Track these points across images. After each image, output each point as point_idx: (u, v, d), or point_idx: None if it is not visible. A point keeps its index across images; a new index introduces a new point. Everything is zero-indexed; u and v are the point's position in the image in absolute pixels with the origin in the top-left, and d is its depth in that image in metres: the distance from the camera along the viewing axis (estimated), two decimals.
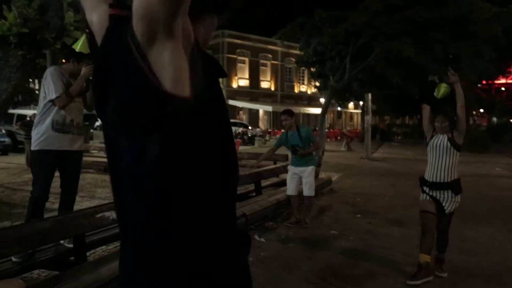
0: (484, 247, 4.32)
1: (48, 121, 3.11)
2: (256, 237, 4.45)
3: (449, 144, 3.38)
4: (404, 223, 5.26)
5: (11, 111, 15.32)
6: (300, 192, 5.07)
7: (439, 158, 3.42)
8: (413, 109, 24.20)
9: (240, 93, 34.75)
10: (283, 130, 5.41)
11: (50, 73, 3.15)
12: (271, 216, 5.30)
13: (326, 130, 31.40)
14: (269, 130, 30.30)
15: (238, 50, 34.81)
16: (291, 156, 5.21)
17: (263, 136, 23.55)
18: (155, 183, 0.73)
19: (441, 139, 3.43)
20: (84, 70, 3.18)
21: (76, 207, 3.85)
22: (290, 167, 5.18)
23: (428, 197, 3.46)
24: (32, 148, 3.14)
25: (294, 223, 5.01)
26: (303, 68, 9.76)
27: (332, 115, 44.28)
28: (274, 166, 7.31)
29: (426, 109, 3.68)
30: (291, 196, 5.10)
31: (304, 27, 8.62)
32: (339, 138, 27.01)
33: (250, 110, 35.35)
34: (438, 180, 3.40)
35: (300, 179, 5.04)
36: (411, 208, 6.12)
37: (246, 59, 35.63)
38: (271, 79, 36.96)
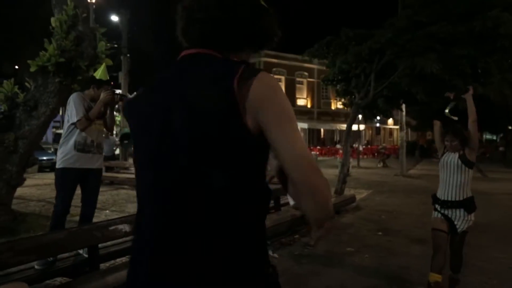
0: (509, 270, 4.13)
1: (71, 142, 3.43)
2: (270, 252, 4.52)
3: (459, 161, 3.32)
4: (426, 242, 5.07)
5: (59, 131, 16.48)
6: None
7: (450, 175, 3.36)
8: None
9: None
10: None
11: (73, 98, 3.48)
12: (290, 232, 5.37)
13: (364, 146, 30.86)
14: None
15: (274, 69, 35.30)
16: None
17: None
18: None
19: (452, 157, 3.38)
20: (102, 95, 3.48)
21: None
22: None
23: (440, 215, 3.41)
24: (57, 166, 3.47)
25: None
26: (328, 86, 9.75)
27: (370, 131, 43.43)
28: None
29: (436, 125, 3.66)
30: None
31: (330, 46, 8.74)
32: (376, 154, 26.40)
33: None
34: (450, 198, 3.34)
35: None
36: None
37: (282, 78, 36.02)
38: (307, 97, 37.03)
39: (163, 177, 0.91)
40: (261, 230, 0.99)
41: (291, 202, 4.18)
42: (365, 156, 27.65)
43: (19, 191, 5.89)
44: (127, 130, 15.37)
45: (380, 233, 5.62)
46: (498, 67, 6.76)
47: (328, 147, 30.12)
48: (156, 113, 0.93)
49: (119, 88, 17.76)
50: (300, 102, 37.30)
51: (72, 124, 3.40)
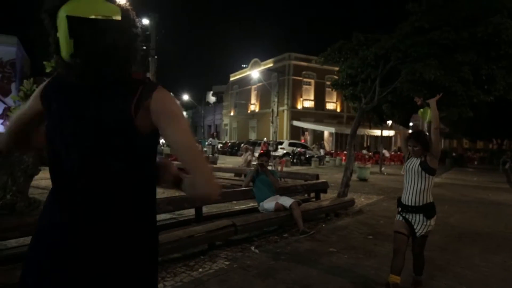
0: (485, 277, 4.13)
1: None
2: (252, 248, 4.77)
3: (420, 168, 3.41)
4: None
5: None
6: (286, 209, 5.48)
7: (412, 181, 3.46)
8: (486, 132, 22.32)
9: (304, 114, 35.06)
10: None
11: None
12: (279, 231, 5.59)
13: (393, 152, 30.17)
14: (332, 151, 29.98)
15: (303, 72, 35.35)
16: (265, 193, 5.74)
17: (322, 157, 23.43)
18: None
19: (413, 163, 3.46)
20: None
21: None
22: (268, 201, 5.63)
23: (401, 218, 3.52)
24: None
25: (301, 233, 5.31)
26: (337, 90, 9.82)
27: (399, 138, 42.35)
28: (308, 182, 7.48)
29: (403, 131, 3.77)
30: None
31: (342, 50, 8.85)
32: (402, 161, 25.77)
33: (314, 131, 35.39)
34: (410, 204, 3.44)
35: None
36: (432, 234, 5.94)
37: (312, 81, 35.97)
38: (337, 101, 36.72)
39: (74, 163, 1.18)
40: (150, 201, 1.29)
41: (286, 203, 4.44)
42: (392, 163, 27.09)
43: (36, 181, 6.44)
44: None
45: (370, 236, 5.70)
46: (502, 73, 6.63)
47: (356, 152, 29.69)
48: (69, 120, 1.18)
49: None
50: (329, 106, 37.06)
51: None
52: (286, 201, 5.51)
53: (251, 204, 6.40)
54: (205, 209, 5.65)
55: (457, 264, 4.51)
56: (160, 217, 5.25)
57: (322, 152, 25.93)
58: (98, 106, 1.17)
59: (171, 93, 1.27)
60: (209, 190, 1.24)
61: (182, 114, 1.26)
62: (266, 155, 6.31)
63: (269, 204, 5.52)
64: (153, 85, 1.22)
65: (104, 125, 1.16)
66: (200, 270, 3.90)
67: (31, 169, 5.76)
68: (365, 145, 36.76)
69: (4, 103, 27.95)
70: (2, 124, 27.89)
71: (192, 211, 5.10)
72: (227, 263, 4.16)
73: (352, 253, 4.76)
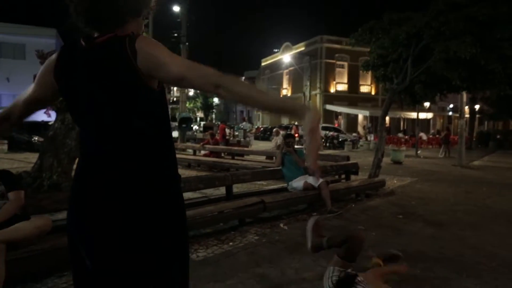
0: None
1: None
2: (281, 224, 4.93)
3: None
4: (442, 225, 5.14)
5: None
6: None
7: None
8: None
9: (338, 97, 34.51)
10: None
11: None
12: (308, 210, 5.70)
13: (431, 136, 29.20)
14: (361, 135, 29.44)
15: (336, 55, 34.64)
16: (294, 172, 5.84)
17: (356, 141, 23.10)
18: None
19: None
20: None
21: None
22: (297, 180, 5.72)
23: None
24: None
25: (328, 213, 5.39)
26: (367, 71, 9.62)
27: (441, 120, 40.84)
28: (338, 163, 7.53)
29: None
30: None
31: (373, 31, 8.67)
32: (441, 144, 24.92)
33: (348, 115, 34.81)
34: None
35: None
36: (466, 214, 5.87)
37: (345, 64, 35.21)
38: (371, 83, 35.79)
39: (97, 125, 1.25)
40: (168, 155, 1.34)
41: (315, 183, 4.57)
42: (429, 146, 26.27)
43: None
44: (185, 114, 16.45)
45: (400, 216, 5.68)
46: None
47: (391, 135, 28.99)
48: (83, 86, 1.24)
49: None
50: (364, 89, 36.22)
51: None
52: (315, 181, 5.60)
53: (281, 185, 6.53)
54: (236, 189, 5.85)
55: (489, 243, 4.45)
56: (192, 195, 5.51)
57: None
58: (103, 65, 1.22)
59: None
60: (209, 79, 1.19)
61: (161, 51, 1.22)
62: (291, 136, 6.39)
63: (297, 183, 5.63)
64: (136, 35, 1.23)
65: (113, 82, 1.21)
66: (231, 243, 4.10)
67: (73, 152, 6.16)
68: (401, 128, 35.79)
69: None
70: (45, 113, 29.60)
71: (223, 191, 5.31)
72: (256, 238, 4.33)
73: (380, 231, 4.80)
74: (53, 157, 6.06)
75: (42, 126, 16.70)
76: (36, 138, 14.78)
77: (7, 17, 32.99)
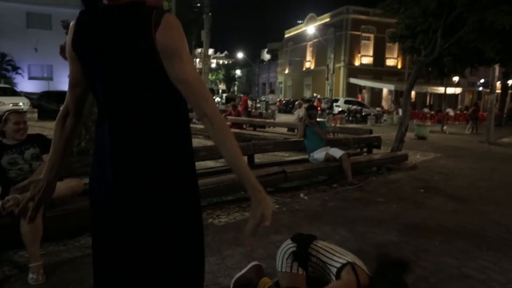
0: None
1: None
2: (301, 195, 5.00)
3: None
4: (464, 200, 5.09)
5: None
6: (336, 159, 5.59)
7: None
8: None
9: (362, 71, 33.69)
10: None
11: None
12: (329, 181, 5.74)
13: (458, 111, 28.30)
14: (391, 110, 28.82)
15: (363, 27, 33.54)
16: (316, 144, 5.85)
17: (379, 115, 22.67)
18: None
19: None
20: None
21: None
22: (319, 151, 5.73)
23: None
24: None
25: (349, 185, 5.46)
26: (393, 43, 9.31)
27: (471, 95, 39.47)
28: (360, 136, 7.52)
29: None
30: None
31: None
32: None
33: (372, 89, 34.04)
34: None
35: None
36: (490, 190, 5.78)
37: (371, 36, 34.10)
38: (398, 56, 34.65)
39: (113, 94, 1.26)
40: (185, 130, 1.33)
41: (336, 154, 4.66)
42: (456, 122, 25.54)
43: None
44: (207, 86, 16.44)
45: (422, 190, 5.65)
46: None
47: (416, 110, 28.28)
48: (102, 54, 1.24)
49: (201, 46, 18.75)
50: (390, 62, 35.14)
51: None
52: (336, 152, 5.61)
53: (302, 156, 6.57)
54: (257, 160, 5.94)
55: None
56: (214, 164, 5.63)
57: (377, 110, 24.90)
58: (122, 37, 1.20)
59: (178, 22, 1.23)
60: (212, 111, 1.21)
61: (185, 48, 1.22)
62: (314, 108, 6.37)
63: (319, 154, 5.66)
64: (164, 11, 1.21)
65: (130, 55, 1.20)
66: None
67: None
68: (427, 103, 34.82)
69: None
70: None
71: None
72: (277, 206, 4.43)
73: (400, 204, 4.81)
74: (81, 124, 6.26)
75: None
76: None
77: None
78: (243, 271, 2.36)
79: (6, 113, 2.81)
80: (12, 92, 17.58)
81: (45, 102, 16.44)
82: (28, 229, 2.41)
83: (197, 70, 1.55)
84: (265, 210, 1.16)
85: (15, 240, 2.56)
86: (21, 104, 15.99)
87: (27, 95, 18.46)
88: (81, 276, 2.52)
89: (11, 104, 15.68)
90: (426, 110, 27.44)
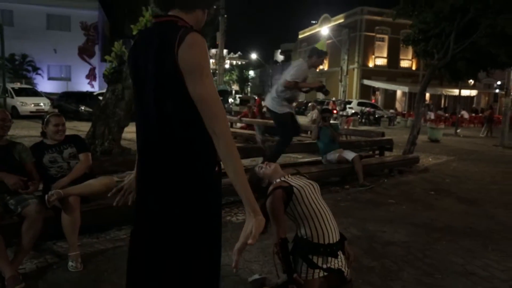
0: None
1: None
2: None
3: None
4: (474, 203, 5.22)
5: None
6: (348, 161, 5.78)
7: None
8: None
9: (376, 72, 33.60)
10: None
11: (300, 64, 4.99)
12: (341, 183, 5.93)
13: (473, 114, 27.97)
14: (404, 112, 28.70)
15: (377, 28, 33.48)
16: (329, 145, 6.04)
17: (393, 118, 22.64)
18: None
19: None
20: (313, 82, 5.44)
21: None
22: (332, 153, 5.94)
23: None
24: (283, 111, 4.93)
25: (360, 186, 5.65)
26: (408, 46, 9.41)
27: (487, 98, 38.93)
28: (372, 138, 7.67)
29: None
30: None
31: (415, 3, 8.46)
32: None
33: (386, 90, 33.93)
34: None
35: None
36: (501, 193, 5.88)
37: (386, 37, 34.00)
38: (412, 58, 34.41)
39: (144, 103, 1.42)
40: (205, 140, 1.37)
41: (349, 157, 4.90)
42: (471, 125, 25.30)
43: (127, 134, 7.33)
44: (222, 87, 16.78)
45: (432, 192, 5.78)
46: None
47: (431, 112, 28.04)
48: (139, 67, 1.41)
49: (216, 47, 18.97)
50: (404, 64, 34.96)
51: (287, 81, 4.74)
52: (349, 154, 5.79)
53: (315, 158, 6.77)
54: None
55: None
56: None
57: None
58: (153, 52, 1.34)
59: (201, 41, 1.32)
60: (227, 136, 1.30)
61: (205, 66, 1.31)
62: (328, 111, 6.56)
63: (331, 156, 5.85)
64: (190, 29, 1.32)
65: (157, 69, 1.33)
66: None
67: (122, 121, 6.64)
68: (442, 106, 34.50)
69: (89, 64, 30.84)
70: (89, 83, 30.91)
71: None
72: None
73: (410, 205, 4.97)
74: (105, 125, 6.57)
75: (88, 96, 17.65)
76: (83, 108, 15.66)
77: None
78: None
79: (48, 116, 3.09)
80: (34, 92, 18.16)
81: (65, 103, 16.94)
82: (68, 221, 2.68)
83: (211, 71, 1.68)
84: (255, 230, 1.25)
85: (55, 231, 2.84)
86: (42, 104, 16.51)
87: (47, 95, 19.04)
88: (114, 265, 2.79)
89: (32, 104, 16.23)
90: (440, 112, 27.18)
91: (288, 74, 4.82)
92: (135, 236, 1.51)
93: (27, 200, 2.62)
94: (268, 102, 5.01)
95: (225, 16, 16.85)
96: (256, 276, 2.62)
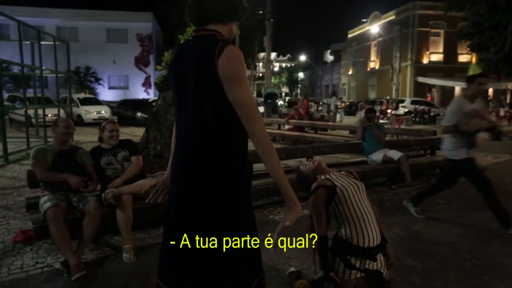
0: None
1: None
2: None
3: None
4: None
5: None
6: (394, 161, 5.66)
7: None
8: None
9: (431, 69, 32.00)
10: None
11: (454, 103, 3.94)
12: (389, 183, 5.81)
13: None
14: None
15: (431, 22, 31.88)
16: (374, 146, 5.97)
17: None
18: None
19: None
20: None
21: None
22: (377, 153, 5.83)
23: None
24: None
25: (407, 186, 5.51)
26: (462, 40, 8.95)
27: None
28: (422, 137, 7.44)
29: None
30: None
31: None
32: None
33: (443, 87, 32.19)
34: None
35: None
36: None
37: (441, 31, 32.27)
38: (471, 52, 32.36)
39: (185, 107, 1.57)
40: (240, 142, 1.56)
41: (394, 156, 4.89)
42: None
43: None
44: (270, 90, 16.97)
45: None
46: None
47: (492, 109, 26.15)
48: (180, 76, 1.56)
49: (264, 51, 19.06)
50: (462, 58, 32.91)
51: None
52: (395, 154, 5.67)
53: (361, 158, 6.68)
54: None
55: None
56: None
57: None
58: (194, 62, 1.47)
59: (238, 54, 1.45)
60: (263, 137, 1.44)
61: (242, 74, 1.44)
62: (373, 111, 6.46)
63: (377, 156, 5.76)
64: (228, 43, 1.45)
65: (198, 77, 1.46)
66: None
67: (173, 126, 7.01)
68: (507, 101, 32.03)
69: (145, 72, 32.57)
70: (144, 91, 32.62)
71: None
72: None
73: (461, 205, 4.77)
74: (157, 130, 6.98)
75: (143, 103, 18.69)
76: (139, 114, 16.60)
77: (111, 5, 36.40)
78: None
79: (104, 123, 3.42)
80: (95, 101, 19.58)
81: (123, 110, 18.08)
82: (122, 217, 2.96)
83: (260, 75, 1.80)
84: (293, 215, 1.45)
85: (111, 226, 3.14)
86: (103, 112, 17.74)
87: (108, 103, 20.45)
88: None
89: (95, 112, 17.50)
90: (506, 108, 25.15)
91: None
92: (174, 225, 1.67)
93: (87, 198, 2.94)
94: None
95: (272, 20, 17.02)
96: (293, 269, 2.72)
